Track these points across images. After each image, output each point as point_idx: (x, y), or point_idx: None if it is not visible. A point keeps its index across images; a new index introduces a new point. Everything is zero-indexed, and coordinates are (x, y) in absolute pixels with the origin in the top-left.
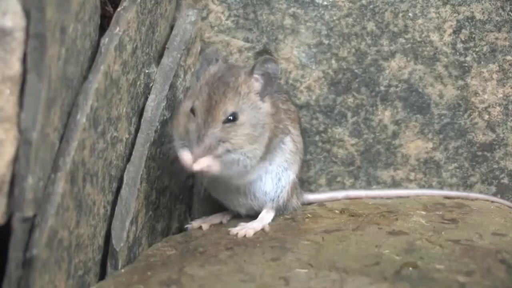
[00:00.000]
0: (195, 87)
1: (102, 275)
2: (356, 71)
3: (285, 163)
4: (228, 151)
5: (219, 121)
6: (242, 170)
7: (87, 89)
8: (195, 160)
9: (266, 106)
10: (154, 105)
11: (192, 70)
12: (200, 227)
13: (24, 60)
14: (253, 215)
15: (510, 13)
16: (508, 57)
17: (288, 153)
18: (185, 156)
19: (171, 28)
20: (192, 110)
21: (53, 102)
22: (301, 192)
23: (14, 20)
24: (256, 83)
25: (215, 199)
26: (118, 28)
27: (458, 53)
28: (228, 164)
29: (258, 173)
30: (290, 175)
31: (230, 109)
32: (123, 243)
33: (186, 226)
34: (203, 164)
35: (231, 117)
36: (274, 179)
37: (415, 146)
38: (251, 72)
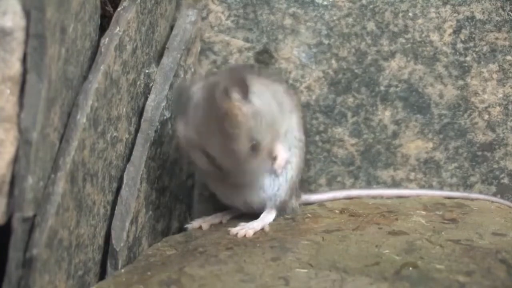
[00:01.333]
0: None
1: (102, 275)
2: (356, 71)
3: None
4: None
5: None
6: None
7: (87, 89)
8: None
9: (255, 103)
10: (154, 105)
11: (192, 70)
12: (200, 227)
13: (24, 60)
14: (251, 213)
15: (510, 13)
16: (508, 57)
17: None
18: None
19: (171, 28)
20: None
21: (53, 102)
22: (300, 193)
23: (14, 20)
24: (234, 94)
25: (214, 197)
26: (118, 28)
27: (458, 53)
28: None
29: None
30: (288, 173)
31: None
32: (123, 243)
33: (185, 226)
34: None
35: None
36: (274, 179)
37: (415, 146)
38: (225, 91)
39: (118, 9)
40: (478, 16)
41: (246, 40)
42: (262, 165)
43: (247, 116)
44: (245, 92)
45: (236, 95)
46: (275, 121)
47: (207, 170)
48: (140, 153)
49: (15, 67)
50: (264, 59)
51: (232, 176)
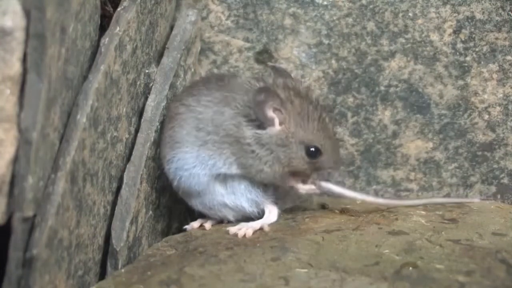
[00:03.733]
0: (291, 132)
1: (102, 275)
2: (356, 71)
3: None
4: None
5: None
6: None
7: (87, 89)
8: None
9: None
10: (154, 105)
11: (192, 70)
12: (202, 227)
13: (24, 60)
14: (242, 220)
15: (510, 13)
16: (508, 57)
17: None
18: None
19: (171, 28)
20: (313, 153)
21: (53, 102)
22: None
23: (14, 20)
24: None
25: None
26: (118, 28)
27: (458, 53)
28: None
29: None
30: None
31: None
32: (123, 243)
33: (184, 227)
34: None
35: None
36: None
37: (415, 146)
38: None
39: (118, 9)
40: (478, 16)
41: (246, 40)
42: None
43: None
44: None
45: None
46: None
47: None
48: (140, 153)
49: (15, 67)
50: (264, 59)
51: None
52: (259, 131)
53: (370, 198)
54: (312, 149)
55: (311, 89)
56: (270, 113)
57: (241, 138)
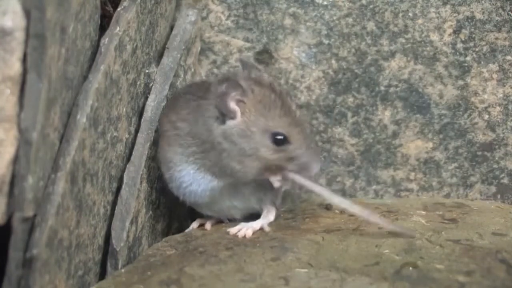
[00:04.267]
0: (253, 123)
1: (102, 275)
2: (356, 71)
3: None
4: None
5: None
6: None
7: (87, 89)
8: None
9: None
10: (154, 105)
11: (192, 70)
12: (202, 226)
13: (24, 60)
14: (248, 217)
15: (510, 13)
16: (508, 57)
17: None
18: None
19: (171, 28)
20: (280, 141)
21: (53, 102)
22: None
23: (14, 20)
24: None
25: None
26: (118, 28)
27: (458, 53)
28: None
29: None
30: None
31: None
32: (123, 243)
33: (186, 231)
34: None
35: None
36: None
37: (415, 146)
38: (255, 70)
39: (118, 9)
40: (478, 16)
41: (246, 40)
42: None
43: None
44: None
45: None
46: None
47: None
48: (140, 153)
49: (15, 67)
50: (264, 59)
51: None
52: (224, 126)
53: (336, 200)
54: (278, 136)
55: (276, 81)
56: (233, 104)
57: (213, 139)
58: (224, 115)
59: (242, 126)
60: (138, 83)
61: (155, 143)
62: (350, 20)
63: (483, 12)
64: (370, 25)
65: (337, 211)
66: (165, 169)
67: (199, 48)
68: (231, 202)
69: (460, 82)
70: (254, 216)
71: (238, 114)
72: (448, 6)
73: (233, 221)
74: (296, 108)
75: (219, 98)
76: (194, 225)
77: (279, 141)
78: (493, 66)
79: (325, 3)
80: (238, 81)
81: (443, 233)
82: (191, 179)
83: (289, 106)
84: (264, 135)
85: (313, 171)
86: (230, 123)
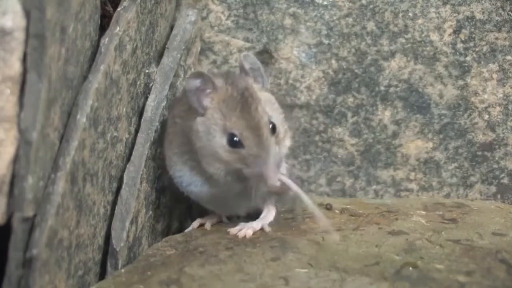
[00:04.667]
0: (214, 121)
1: (102, 275)
2: (356, 71)
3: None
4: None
5: (270, 134)
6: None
7: (87, 89)
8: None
9: (271, 95)
10: (154, 105)
11: (192, 70)
12: (202, 226)
13: (24, 60)
14: (251, 215)
15: (510, 13)
16: (508, 57)
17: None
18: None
19: (171, 28)
20: (235, 143)
21: (53, 102)
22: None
23: (14, 20)
24: (254, 82)
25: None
26: (118, 28)
27: (458, 53)
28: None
29: None
30: (284, 170)
31: (267, 119)
32: (123, 243)
33: (186, 231)
34: (289, 182)
35: (272, 127)
36: None
37: (415, 146)
38: (246, 76)
39: (118, 9)
40: (478, 16)
41: (246, 40)
42: (278, 158)
43: (260, 94)
44: (258, 81)
45: (252, 79)
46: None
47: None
48: (140, 153)
49: (15, 67)
50: (264, 59)
51: (253, 165)
52: (193, 122)
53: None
54: (232, 137)
55: (245, 79)
56: (200, 100)
57: (190, 136)
58: (196, 111)
59: (206, 123)
60: (138, 83)
61: (155, 143)
62: (350, 20)
63: (483, 12)
64: (370, 25)
65: (337, 211)
66: (168, 167)
67: (199, 48)
68: (234, 201)
69: (460, 82)
70: (253, 216)
71: (207, 110)
72: (448, 6)
73: (233, 221)
74: (263, 116)
75: (188, 92)
76: (195, 224)
77: (233, 143)
78: (493, 66)
79: (325, 3)
80: (211, 78)
81: (443, 233)
82: (189, 180)
83: (252, 111)
84: (223, 135)
85: (268, 182)
86: (198, 119)
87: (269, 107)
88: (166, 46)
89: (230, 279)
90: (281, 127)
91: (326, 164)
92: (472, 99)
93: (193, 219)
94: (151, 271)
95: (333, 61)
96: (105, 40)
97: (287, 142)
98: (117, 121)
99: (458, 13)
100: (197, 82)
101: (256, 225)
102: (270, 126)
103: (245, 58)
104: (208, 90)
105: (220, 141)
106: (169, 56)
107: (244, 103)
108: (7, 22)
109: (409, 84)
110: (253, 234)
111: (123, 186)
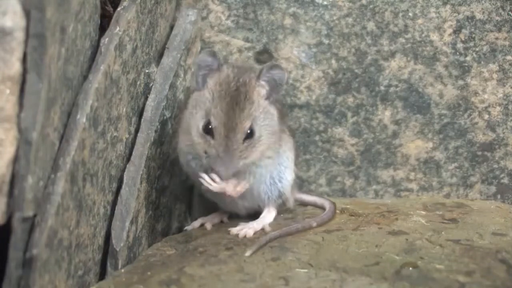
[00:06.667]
0: (204, 100)
1: (102, 275)
2: (356, 71)
3: (286, 161)
4: (249, 166)
5: (240, 140)
6: (267, 176)
7: (87, 89)
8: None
9: (274, 111)
10: (154, 105)
11: (192, 70)
12: (202, 226)
13: (24, 60)
14: (252, 215)
15: (510, 13)
16: (508, 57)
17: (289, 151)
18: (214, 182)
19: (171, 28)
20: (208, 129)
21: (53, 102)
22: (296, 190)
23: (14, 20)
24: (263, 89)
25: (213, 201)
26: (118, 28)
27: (458, 53)
28: (252, 177)
29: (258, 173)
30: (291, 174)
31: (248, 125)
32: (123, 243)
33: (185, 229)
34: (239, 188)
35: (249, 133)
36: (275, 178)
37: (415, 146)
38: (258, 78)
39: (118, 9)
40: (478, 16)
41: (246, 40)
42: (233, 167)
43: (259, 100)
44: (273, 93)
45: (263, 83)
46: (272, 140)
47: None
48: (140, 153)
49: (15, 67)
50: (264, 59)
51: (218, 162)
52: (193, 94)
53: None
54: (208, 124)
55: (250, 77)
56: (208, 79)
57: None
58: (197, 85)
59: (198, 98)
60: (138, 83)
61: (155, 143)
62: (350, 20)
63: (483, 12)
64: (370, 25)
65: (337, 211)
66: (180, 156)
67: (199, 48)
68: (237, 200)
69: (460, 82)
70: (254, 216)
71: (205, 88)
72: (448, 6)
73: (234, 221)
74: (244, 120)
75: (197, 66)
76: (195, 224)
77: (206, 129)
78: (493, 66)
79: (325, 3)
80: (220, 60)
81: (443, 233)
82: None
83: (237, 109)
84: (203, 117)
85: (221, 177)
86: (195, 93)
87: (258, 114)
88: (166, 46)
89: (230, 279)
90: (265, 138)
91: (326, 164)
92: (472, 99)
93: (193, 219)
94: (151, 271)
95: (333, 61)
96: (105, 40)
97: (266, 158)
98: (117, 121)
99: (458, 13)
100: (208, 60)
101: (257, 225)
102: (248, 131)
103: (274, 68)
104: (214, 71)
105: (199, 121)
106: (169, 56)
107: (235, 97)
108: (7, 22)
109: (409, 84)
110: (254, 234)
111: (123, 186)
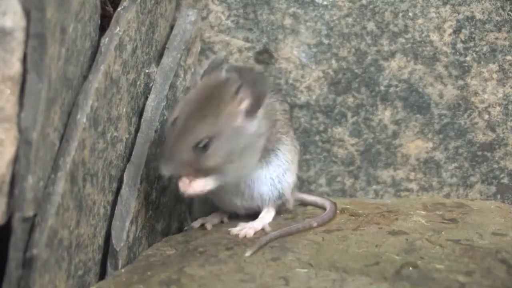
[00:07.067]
0: (189, 94)
1: (102, 275)
2: (356, 71)
3: (286, 163)
4: (208, 173)
5: (189, 146)
6: (236, 180)
7: (87, 89)
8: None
9: (252, 125)
10: (154, 105)
11: (192, 70)
12: (202, 226)
13: (24, 60)
14: (252, 215)
15: (510, 13)
16: (508, 57)
17: (288, 153)
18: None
19: (171, 28)
20: (173, 123)
21: (53, 102)
22: (297, 191)
23: (14, 20)
24: (243, 102)
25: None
26: (118, 28)
27: (458, 53)
28: (218, 180)
29: (257, 175)
30: (291, 176)
31: (203, 135)
32: (123, 243)
33: (185, 229)
34: (195, 185)
35: (202, 145)
36: (275, 179)
37: (415, 146)
38: (237, 92)
39: (118, 9)
40: (478, 16)
41: (246, 40)
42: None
43: (233, 119)
44: (254, 108)
45: (246, 100)
46: (243, 160)
47: None
48: (140, 153)
49: (15, 67)
50: (264, 59)
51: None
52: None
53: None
54: (175, 119)
55: (231, 83)
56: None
57: None
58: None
59: (187, 94)
60: (138, 83)
61: (155, 143)
62: (350, 20)
63: (483, 12)
64: (370, 25)
65: (337, 211)
66: None
67: (199, 48)
68: (236, 201)
69: (460, 82)
70: (254, 216)
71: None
72: (448, 6)
73: (234, 221)
74: (202, 128)
75: (204, 71)
76: (196, 224)
77: (173, 123)
78: (493, 66)
79: (325, 3)
80: (220, 70)
81: (443, 233)
82: None
83: (202, 113)
84: (178, 111)
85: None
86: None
87: (225, 131)
88: (166, 46)
89: (230, 279)
90: (222, 161)
91: (326, 164)
92: (472, 99)
93: (193, 219)
94: (151, 271)
95: (333, 61)
96: (105, 40)
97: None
98: (117, 121)
99: (458, 13)
100: (210, 69)
101: (257, 225)
102: (202, 144)
103: (265, 84)
104: (209, 73)
105: (174, 113)
106: (169, 56)
107: (205, 99)
108: (7, 22)
109: (409, 84)
110: (254, 234)
111: (123, 186)
